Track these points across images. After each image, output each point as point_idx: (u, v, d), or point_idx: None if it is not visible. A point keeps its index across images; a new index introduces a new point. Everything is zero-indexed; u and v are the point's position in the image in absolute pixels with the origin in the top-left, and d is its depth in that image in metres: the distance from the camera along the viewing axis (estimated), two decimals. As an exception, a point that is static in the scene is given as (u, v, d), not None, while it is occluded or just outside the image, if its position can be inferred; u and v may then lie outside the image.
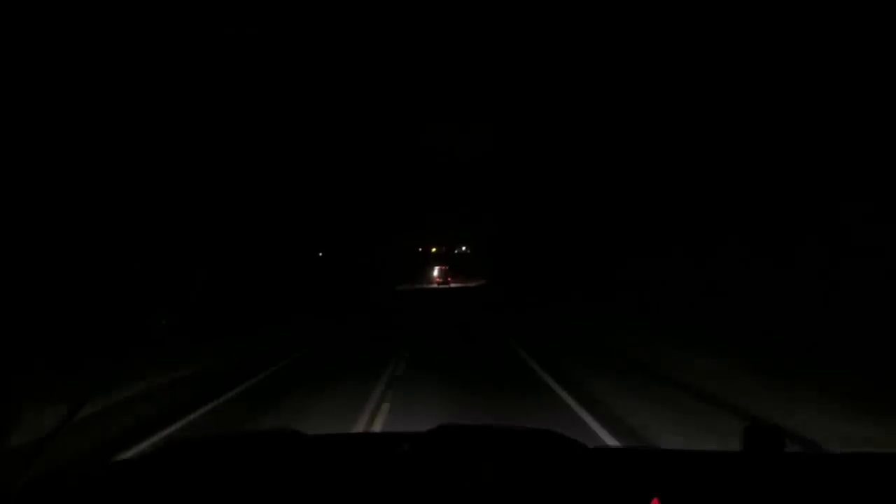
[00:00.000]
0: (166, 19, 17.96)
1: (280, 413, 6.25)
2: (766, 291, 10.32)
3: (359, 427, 5.43)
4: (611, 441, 4.78)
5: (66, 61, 15.74)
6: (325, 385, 7.70)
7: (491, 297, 30.58)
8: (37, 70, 14.91)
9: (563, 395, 6.70)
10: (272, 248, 33.52)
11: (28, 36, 14.45)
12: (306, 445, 1.61)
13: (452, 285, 51.10)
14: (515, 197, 37.39)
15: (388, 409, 6.12)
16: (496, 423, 2.00)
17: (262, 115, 29.84)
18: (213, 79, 24.22)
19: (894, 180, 7.48)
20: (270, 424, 5.73)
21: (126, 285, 20.73)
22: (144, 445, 5.28)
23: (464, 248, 69.17)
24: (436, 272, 56.22)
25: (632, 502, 1.14)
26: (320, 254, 38.85)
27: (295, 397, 7.02)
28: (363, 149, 40.28)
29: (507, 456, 1.46)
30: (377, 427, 5.41)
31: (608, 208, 20.57)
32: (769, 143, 10.52)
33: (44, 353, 10.22)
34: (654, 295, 15.52)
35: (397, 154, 42.39)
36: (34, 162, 15.47)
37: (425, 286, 50.72)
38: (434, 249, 66.68)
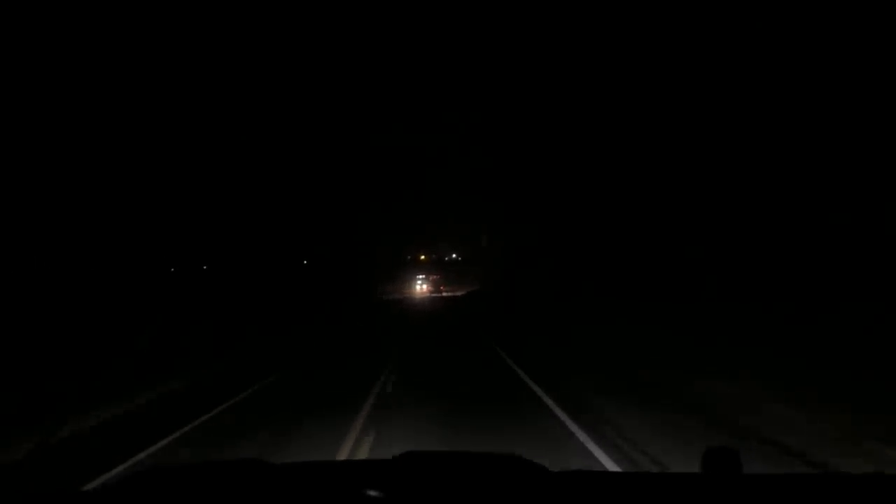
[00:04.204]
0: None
1: None
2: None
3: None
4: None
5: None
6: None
7: (494, 314, 25.68)
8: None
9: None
10: (255, 258, 32.64)
11: (28, 37, 13.96)
12: (272, 474, 1.59)
13: (445, 294, 50.13)
14: (516, 197, 36.04)
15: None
16: (461, 450, 1.93)
17: (247, 122, 29.09)
18: (195, 91, 23.57)
19: None
20: None
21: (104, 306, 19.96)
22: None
23: (454, 256, 68.20)
24: (425, 284, 54.90)
25: None
26: (305, 262, 38.05)
27: None
28: (352, 155, 39.49)
29: (471, 481, 1.47)
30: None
31: (618, 206, 19.68)
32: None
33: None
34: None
35: (386, 161, 41.62)
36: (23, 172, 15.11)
37: (415, 297, 49.60)
38: (423, 257, 65.54)
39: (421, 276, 56.56)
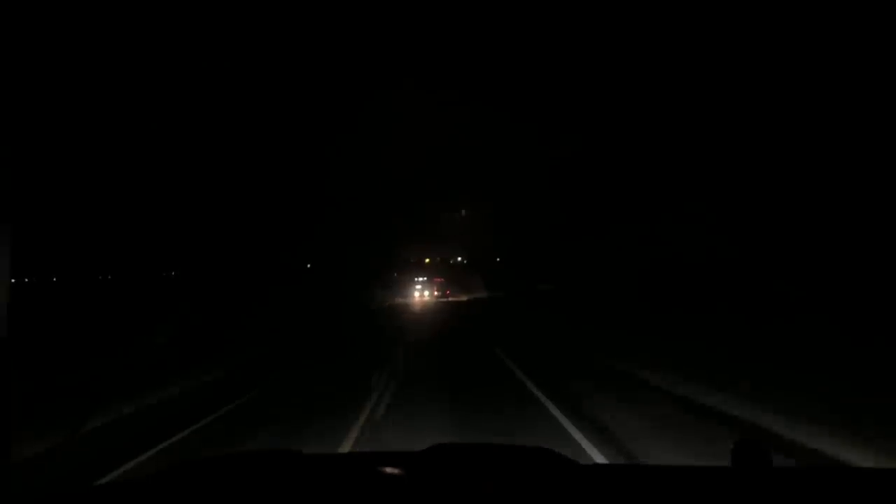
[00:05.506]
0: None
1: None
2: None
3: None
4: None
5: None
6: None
7: (498, 318, 23.21)
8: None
9: None
10: (256, 261, 32.46)
11: (26, 37, 13.95)
12: (304, 465, 1.64)
13: (451, 299, 48.68)
14: (519, 198, 35.32)
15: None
16: (490, 442, 1.89)
17: (247, 124, 29.00)
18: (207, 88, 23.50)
19: None
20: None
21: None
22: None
23: (459, 259, 67.62)
24: (427, 289, 52.64)
25: None
26: (308, 265, 37.93)
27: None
28: (356, 156, 39.33)
29: (501, 473, 1.49)
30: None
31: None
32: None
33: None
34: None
35: (386, 161, 41.46)
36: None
37: (416, 304, 46.27)
38: (427, 260, 64.66)
39: (421, 279, 52.47)
